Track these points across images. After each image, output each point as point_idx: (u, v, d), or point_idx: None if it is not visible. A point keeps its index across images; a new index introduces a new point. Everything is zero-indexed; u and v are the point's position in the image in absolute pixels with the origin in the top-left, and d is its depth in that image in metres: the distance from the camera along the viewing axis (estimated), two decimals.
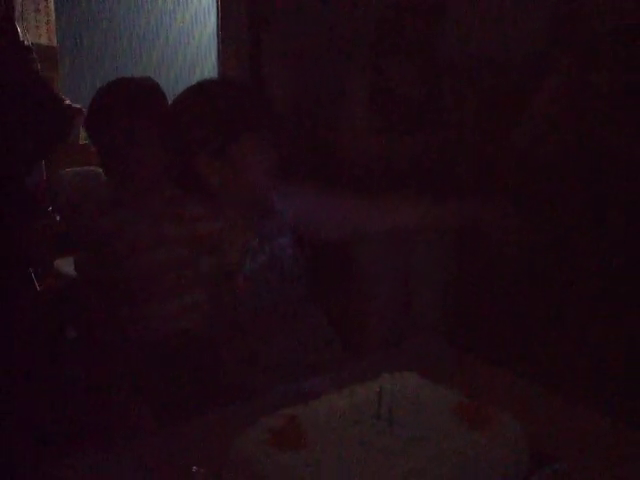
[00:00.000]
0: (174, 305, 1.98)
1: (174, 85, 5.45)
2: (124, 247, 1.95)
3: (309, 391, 1.58)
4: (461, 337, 2.64)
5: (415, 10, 2.97)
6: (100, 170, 2.32)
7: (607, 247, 2.68)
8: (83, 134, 3.89)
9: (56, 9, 4.93)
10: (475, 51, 3.17)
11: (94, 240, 1.96)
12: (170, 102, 2.04)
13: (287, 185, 2.05)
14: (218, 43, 5.52)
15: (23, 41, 3.50)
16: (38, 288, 3.01)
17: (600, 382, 2.51)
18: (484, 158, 3.08)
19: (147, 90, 2.10)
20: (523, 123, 2.93)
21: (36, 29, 4.79)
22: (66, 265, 3.19)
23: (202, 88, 2.00)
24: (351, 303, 3.17)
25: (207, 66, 5.76)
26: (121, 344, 1.98)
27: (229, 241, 1.98)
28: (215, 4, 5.63)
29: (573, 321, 2.74)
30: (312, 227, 2.07)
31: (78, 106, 4.52)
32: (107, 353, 2.01)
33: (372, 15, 3.17)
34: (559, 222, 2.80)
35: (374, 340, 3.13)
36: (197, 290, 2.01)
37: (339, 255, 2.88)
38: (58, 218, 3.37)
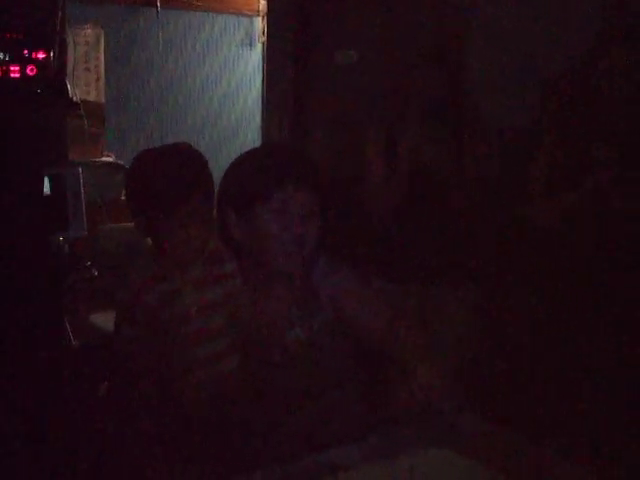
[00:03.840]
0: (207, 372, 1.95)
1: (217, 146, 5.57)
2: (170, 320, 1.94)
3: (337, 463, 1.55)
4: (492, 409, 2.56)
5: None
6: None
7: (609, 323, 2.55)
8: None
9: (106, 68, 5.04)
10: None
11: (140, 317, 1.94)
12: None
13: (328, 262, 2.03)
14: (262, 108, 5.60)
15: (72, 97, 3.57)
16: (73, 341, 3.03)
17: None
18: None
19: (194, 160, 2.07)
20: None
21: (85, 86, 4.89)
22: (102, 320, 3.19)
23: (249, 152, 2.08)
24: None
25: (250, 129, 5.82)
26: (154, 407, 1.96)
27: (261, 309, 1.97)
28: (261, 70, 5.74)
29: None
30: (348, 314, 2.03)
31: (121, 162, 4.60)
32: (139, 415, 1.99)
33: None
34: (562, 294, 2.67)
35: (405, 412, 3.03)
36: (230, 359, 1.98)
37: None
38: (96, 273, 3.39)
